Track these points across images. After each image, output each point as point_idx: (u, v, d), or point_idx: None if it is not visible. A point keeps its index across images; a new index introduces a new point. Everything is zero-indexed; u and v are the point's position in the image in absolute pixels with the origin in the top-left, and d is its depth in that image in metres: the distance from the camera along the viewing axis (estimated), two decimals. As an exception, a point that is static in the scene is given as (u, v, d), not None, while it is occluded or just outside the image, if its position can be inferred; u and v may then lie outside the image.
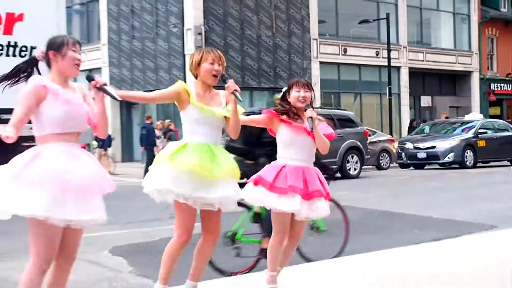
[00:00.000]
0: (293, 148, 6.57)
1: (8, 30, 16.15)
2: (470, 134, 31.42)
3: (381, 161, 31.32)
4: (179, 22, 35.50)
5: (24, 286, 4.95)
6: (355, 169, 26.01)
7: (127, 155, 39.55)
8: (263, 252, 8.38)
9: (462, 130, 32.26)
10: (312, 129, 6.35)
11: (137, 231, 12.26)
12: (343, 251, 9.44)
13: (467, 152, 30.54)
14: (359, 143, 26.17)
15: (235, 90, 6.06)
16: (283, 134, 6.58)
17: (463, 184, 22.18)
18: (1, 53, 15.92)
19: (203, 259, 6.32)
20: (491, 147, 31.36)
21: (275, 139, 7.57)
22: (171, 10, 35.91)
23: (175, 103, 6.16)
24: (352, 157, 25.83)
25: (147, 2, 37.15)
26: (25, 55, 16.28)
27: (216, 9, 35.62)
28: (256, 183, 6.55)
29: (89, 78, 5.19)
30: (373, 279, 7.26)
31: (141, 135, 29.57)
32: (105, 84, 5.19)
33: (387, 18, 38.95)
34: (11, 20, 16.20)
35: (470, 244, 10.39)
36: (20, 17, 16.39)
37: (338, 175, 23.60)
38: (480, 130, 31.77)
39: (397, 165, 32.40)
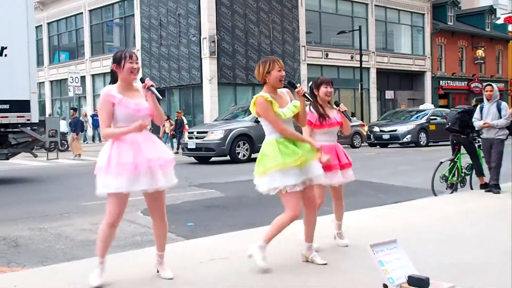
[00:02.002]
0: (326, 135, 6.82)
1: None
2: (423, 120, 31.48)
3: (354, 141, 31.30)
4: (197, 33, 35.40)
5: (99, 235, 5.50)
6: None
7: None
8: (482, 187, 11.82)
9: (417, 117, 32.26)
10: (349, 119, 7.04)
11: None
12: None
13: (421, 134, 30.68)
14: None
15: (305, 92, 5.99)
16: (320, 131, 6.78)
17: (417, 159, 22.19)
18: None
19: (313, 224, 6.11)
20: (439, 130, 31.08)
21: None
22: (191, 23, 35.79)
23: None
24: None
25: (172, 16, 37.01)
26: None
27: (226, 22, 35.51)
28: None
29: (141, 80, 5.42)
30: (350, 230, 7.29)
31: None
32: (152, 85, 5.40)
33: (360, 30, 39.00)
34: None
35: (423, 205, 10.43)
36: None
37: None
38: (431, 117, 31.73)
39: (367, 144, 32.43)
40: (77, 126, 27.70)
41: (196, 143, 22.50)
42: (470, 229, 7.89)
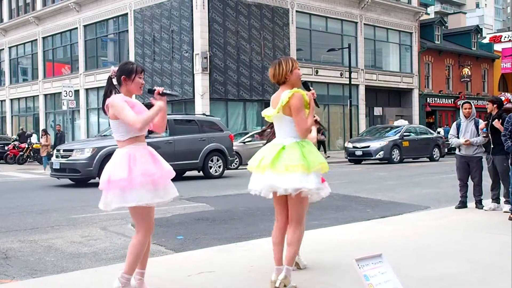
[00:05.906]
0: None
1: None
2: (396, 136, 31.02)
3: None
4: (190, 49, 35.41)
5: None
6: (217, 170, 21.68)
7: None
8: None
9: (391, 133, 31.90)
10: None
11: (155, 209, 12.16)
12: None
13: (394, 151, 30.18)
14: (222, 146, 21.83)
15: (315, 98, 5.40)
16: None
17: (402, 174, 22.19)
18: None
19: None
20: (413, 146, 31.12)
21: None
22: (184, 39, 35.82)
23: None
24: (212, 159, 21.59)
25: (165, 33, 37.05)
26: None
27: (218, 39, 35.56)
28: None
29: (150, 91, 5.18)
30: (337, 244, 7.26)
31: None
32: (164, 89, 5.20)
33: (349, 48, 39.08)
34: None
35: (409, 219, 10.41)
36: None
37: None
38: (405, 133, 31.39)
39: (347, 160, 32.12)
40: None
41: (60, 163, 18.84)
42: (455, 243, 7.87)
